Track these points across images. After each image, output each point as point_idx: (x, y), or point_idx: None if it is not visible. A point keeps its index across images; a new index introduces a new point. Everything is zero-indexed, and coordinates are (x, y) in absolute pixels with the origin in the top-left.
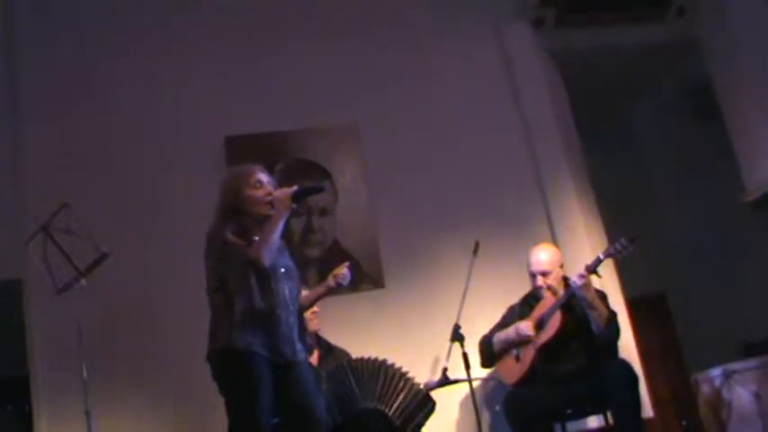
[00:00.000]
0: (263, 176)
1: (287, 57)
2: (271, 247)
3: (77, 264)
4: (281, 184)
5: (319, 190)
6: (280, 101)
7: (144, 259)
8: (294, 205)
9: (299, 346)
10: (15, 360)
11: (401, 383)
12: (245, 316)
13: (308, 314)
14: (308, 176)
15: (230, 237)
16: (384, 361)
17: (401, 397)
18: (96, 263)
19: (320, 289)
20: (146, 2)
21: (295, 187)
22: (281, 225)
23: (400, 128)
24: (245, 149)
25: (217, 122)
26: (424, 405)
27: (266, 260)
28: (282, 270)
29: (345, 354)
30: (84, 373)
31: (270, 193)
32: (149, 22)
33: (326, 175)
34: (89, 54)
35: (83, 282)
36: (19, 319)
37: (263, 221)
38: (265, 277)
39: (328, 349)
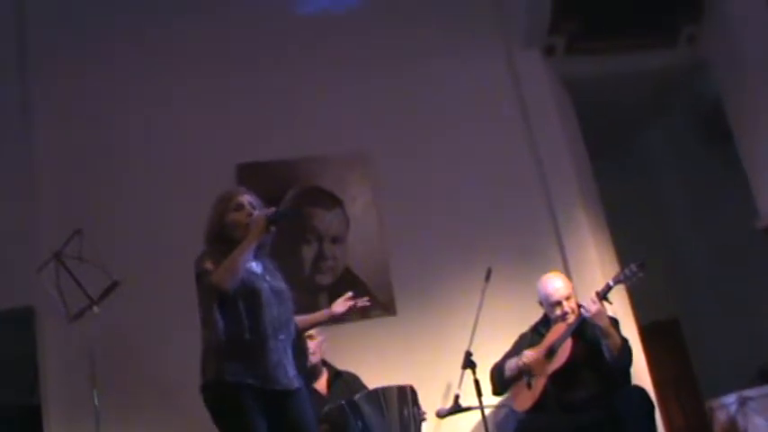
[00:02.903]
0: (244, 199)
1: (299, 85)
2: (233, 272)
3: (90, 291)
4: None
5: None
6: (292, 129)
7: (156, 287)
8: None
9: (292, 372)
10: (27, 388)
11: (392, 397)
12: (231, 346)
13: (311, 345)
14: (319, 204)
15: (205, 265)
16: (377, 388)
17: (395, 411)
18: (108, 291)
19: (319, 316)
20: (159, 31)
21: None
22: (250, 248)
23: (411, 155)
24: (256, 177)
25: (228, 150)
26: (404, 398)
27: (228, 284)
28: (270, 292)
29: (354, 377)
30: (96, 401)
31: (250, 216)
32: (162, 51)
33: (338, 202)
34: (102, 82)
35: (95, 309)
36: (31, 346)
37: None
38: (240, 301)
39: (336, 375)
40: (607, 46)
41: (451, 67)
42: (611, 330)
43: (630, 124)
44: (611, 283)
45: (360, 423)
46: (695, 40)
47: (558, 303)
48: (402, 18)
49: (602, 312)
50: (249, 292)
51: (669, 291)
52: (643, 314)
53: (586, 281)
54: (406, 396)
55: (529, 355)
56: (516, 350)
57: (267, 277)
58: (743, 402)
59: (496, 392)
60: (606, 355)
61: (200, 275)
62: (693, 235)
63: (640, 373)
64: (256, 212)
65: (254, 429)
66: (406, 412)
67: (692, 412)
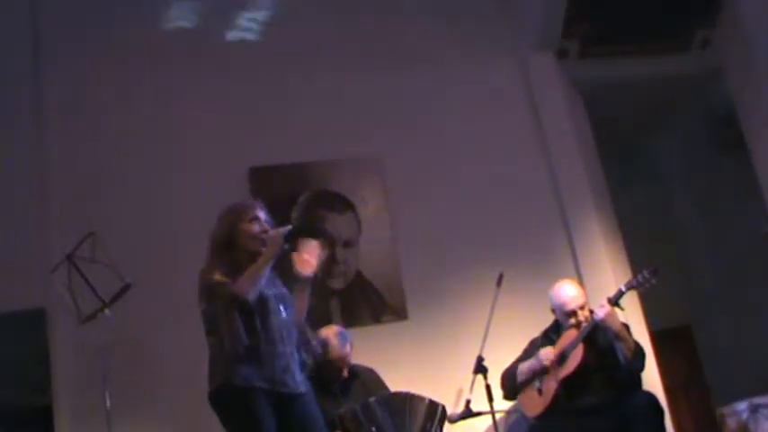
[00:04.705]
0: (260, 213)
1: (312, 88)
2: (255, 283)
3: (102, 293)
4: (304, 214)
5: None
6: (305, 132)
7: (168, 289)
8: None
9: (299, 376)
10: (39, 388)
11: (419, 408)
12: (241, 353)
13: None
14: (331, 208)
15: (216, 277)
16: (407, 393)
17: (417, 423)
18: (120, 294)
19: (302, 295)
20: (173, 33)
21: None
22: (270, 263)
23: (424, 159)
24: (269, 180)
25: (242, 153)
26: (433, 415)
27: (250, 295)
28: (274, 299)
29: (370, 374)
30: (108, 403)
31: (265, 231)
32: (177, 54)
33: (350, 206)
34: (115, 84)
35: (107, 312)
36: (42, 347)
37: (255, 258)
38: (256, 311)
39: (353, 374)
40: (620, 50)
41: (464, 71)
42: (625, 334)
43: (643, 129)
44: (624, 289)
45: (373, 429)
46: (709, 44)
47: (573, 313)
48: (416, 21)
49: (613, 316)
50: (258, 300)
51: (681, 297)
52: (655, 320)
53: (598, 286)
54: (436, 413)
55: (547, 355)
56: (527, 356)
57: (271, 285)
58: (754, 409)
59: (507, 397)
60: (620, 358)
61: (212, 287)
62: (706, 241)
63: (651, 379)
64: (273, 230)
65: (264, 430)
66: (428, 427)
67: (703, 418)
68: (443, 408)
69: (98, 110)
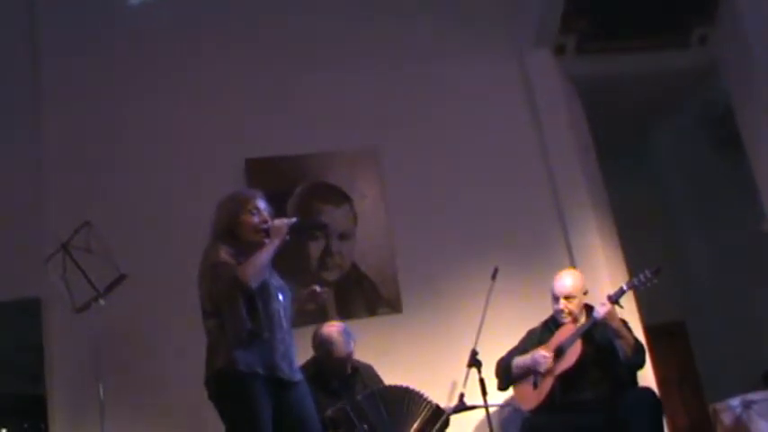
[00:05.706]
0: (261, 204)
1: (309, 80)
2: (259, 271)
3: (96, 283)
4: (300, 206)
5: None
6: (301, 124)
7: (163, 280)
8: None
9: (295, 364)
10: (32, 377)
11: (421, 408)
12: (242, 337)
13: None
14: (327, 200)
15: (222, 257)
16: (407, 388)
17: (418, 421)
18: (115, 284)
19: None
20: (169, 26)
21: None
22: (273, 252)
23: (420, 152)
24: (265, 172)
25: (238, 145)
26: (435, 419)
27: (253, 282)
28: (276, 288)
29: (368, 370)
30: (101, 393)
31: (265, 221)
32: (172, 46)
33: (346, 198)
34: (111, 74)
35: (101, 301)
36: (37, 337)
37: (255, 248)
38: (258, 297)
39: (354, 370)
40: (618, 46)
41: (462, 65)
42: (624, 331)
43: (640, 125)
44: (625, 288)
45: (365, 426)
46: (707, 41)
47: (556, 299)
48: (413, 15)
49: (613, 313)
50: (261, 286)
51: (676, 293)
52: (650, 315)
53: (593, 280)
54: (437, 419)
55: (545, 361)
56: (524, 346)
57: (270, 273)
58: (747, 406)
59: (501, 388)
60: (620, 355)
61: (217, 266)
62: (701, 237)
63: (646, 375)
64: (277, 220)
65: (262, 418)
66: (427, 430)
67: (697, 414)
68: (448, 418)
69: (95, 100)
